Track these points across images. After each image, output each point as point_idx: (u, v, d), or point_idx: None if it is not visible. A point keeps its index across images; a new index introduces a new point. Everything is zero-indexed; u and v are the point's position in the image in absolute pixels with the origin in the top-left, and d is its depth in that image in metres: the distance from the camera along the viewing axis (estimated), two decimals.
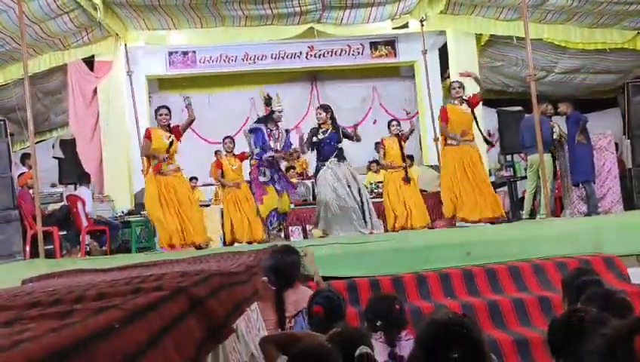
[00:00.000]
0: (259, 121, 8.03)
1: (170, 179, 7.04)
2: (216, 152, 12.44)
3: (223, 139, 8.84)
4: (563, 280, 3.12)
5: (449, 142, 7.59)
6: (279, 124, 7.90)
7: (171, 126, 7.20)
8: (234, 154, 8.66)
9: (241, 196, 8.35)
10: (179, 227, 6.87)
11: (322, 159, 7.77)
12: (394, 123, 8.82)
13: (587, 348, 1.59)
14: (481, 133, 7.79)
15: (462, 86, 7.71)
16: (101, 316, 0.87)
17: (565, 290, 2.98)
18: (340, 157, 7.75)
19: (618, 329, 1.31)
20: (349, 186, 7.59)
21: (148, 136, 7.07)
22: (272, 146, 7.72)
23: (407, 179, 8.65)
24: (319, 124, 7.83)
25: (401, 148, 8.68)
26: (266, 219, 7.88)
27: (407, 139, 8.87)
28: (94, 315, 0.91)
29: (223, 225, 9.45)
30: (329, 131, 7.73)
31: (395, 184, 8.64)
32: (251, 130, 7.90)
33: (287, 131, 8.01)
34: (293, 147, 7.94)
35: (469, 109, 7.59)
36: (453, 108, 7.62)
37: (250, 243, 7.86)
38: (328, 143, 7.73)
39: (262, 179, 7.76)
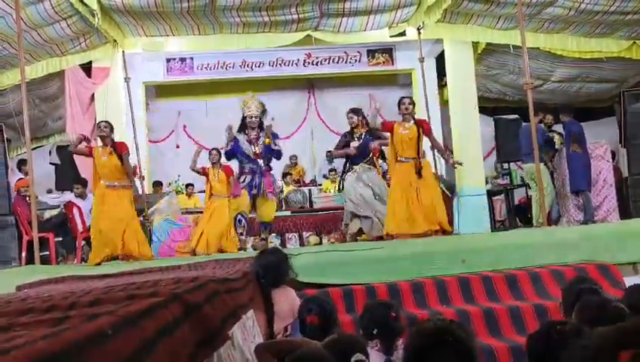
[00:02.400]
0: (238, 130, 7.77)
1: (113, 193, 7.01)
2: None
3: (210, 151, 8.70)
4: (562, 289, 3.12)
5: (399, 158, 7.36)
6: (257, 128, 7.69)
7: (115, 141, 7.14)
8: (220, 165, 8.45)
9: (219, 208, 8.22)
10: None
11: (352, 163, 7.66)
12: None
13: (569, 359, 1.58)
14: (443, 157, 7.74)
15: (412, 102, 7.45)
16: (93, 322, 0.86)
17: (564, 298, 2.98)
18: (371, 161, 7.68)
19: (603, 340, 1.30)
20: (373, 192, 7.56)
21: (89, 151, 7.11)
22: (252, 151, 7.59)
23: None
24: (352, 128, 7.70)
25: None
26: (233, 222, 7.78)
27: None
28: (87, 321, 0.91)
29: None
30: (364, 135, 7.63)
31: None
32: (228, 152, 7.78)
33: (274, 135, 7.80)
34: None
35: (415, 128, 7.31)
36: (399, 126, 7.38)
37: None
38: (364, 148, 7.64)
39: (241, 184, 7.69)
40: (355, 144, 7.68)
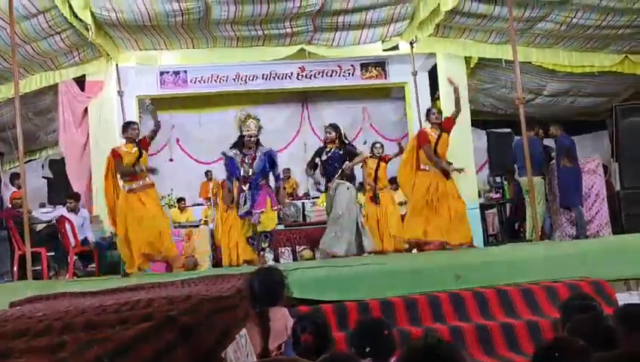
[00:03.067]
0: (233, 146, 7.63)
1: (139, 197, 7.00)
2: (207, 172, 12.48)
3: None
4: (559, 306, 3.13)
5: (422, 167, 7.59)
6: (255, 146, 7.52)
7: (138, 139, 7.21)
8: None
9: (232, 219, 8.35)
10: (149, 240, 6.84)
11: (327, 179, 7.74)
12: (377, 145, 9.05)
13: None
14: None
15: (440, 111, 7.77)
16: (91, 351, 0.87)
17: (561, 316, 2.99)
18: (347, 178, 7.72)
19: None
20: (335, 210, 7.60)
21: (116, 155, 7.08)
22: (243, 173, 7.42)
23: (375, 199, 8.85)
24: (325, 143, 7.76)
25: (376, 171, 8.87)
26: (248, 241, 7.77)
27: (389, 160, 9.04)
28: (84, 349, 0.91)
29: (212, 246, 9.43)
30: (332, 150, 7.68)
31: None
32: (225, 164, 7.73)
33: (268, 154, 7.58)
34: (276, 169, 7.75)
35: (444, 134, 7.60)
36: (432, 133, 7.65)
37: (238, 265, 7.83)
38: (331, 164, 7.71)
39: (241, 211, 7.57)
40: (318, 160, 7.81)
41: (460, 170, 7.81)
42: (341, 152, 7.72)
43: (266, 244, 7.86)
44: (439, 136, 7.55)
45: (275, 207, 7.61)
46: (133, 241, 6.80)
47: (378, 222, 8.83)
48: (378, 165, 8.97)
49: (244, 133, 7.43)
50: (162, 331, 1.21)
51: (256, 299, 3.18)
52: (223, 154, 7.63)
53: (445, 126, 7.62)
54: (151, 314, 1.42)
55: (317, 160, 7.85)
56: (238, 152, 7.43)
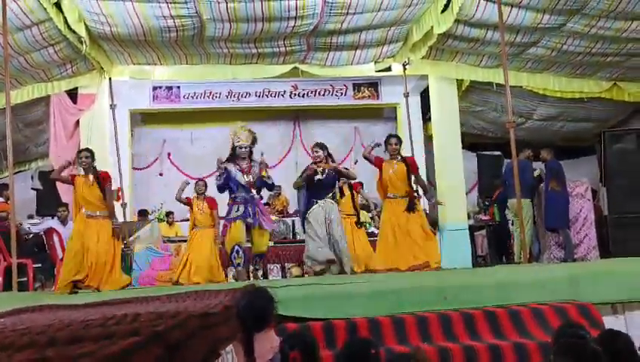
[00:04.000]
0: (227, 161, 7.68)
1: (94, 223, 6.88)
2: None
3: (196, 181, 8.73)
4: (552, 335, 3.15)
5: (388, 195, 7.63)
6: (247, 158, 7.64)
7: (98, 171, 7.04)
8: (205, 197, 8.58)
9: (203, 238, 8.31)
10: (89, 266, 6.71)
11: (316, 197, 7.67)
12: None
13: None
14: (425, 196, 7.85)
15: (399, 141, 7.71)
16: None
17: (554, 344, 3.00)
18: (334, 197, 7.71)
19: None
20: (328, 229, 7.56)
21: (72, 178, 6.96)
22: (245, 180, 7.52)
23: (358, 223, 8.95)
24: (316, 163, 7.68)
25: (352, 195, 8.89)
26: (230, 253, 7.60)
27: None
28: None
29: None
30: (327, 171, 7.65)
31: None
32: (221, 185, 7.64)
33: (260, 165, 7.70)
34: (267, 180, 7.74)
35: (403, 166, 7.57)
36: (388, 163, 7.64)
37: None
38: (326, 184, 7.66)
39: (232, 215, 7.53)
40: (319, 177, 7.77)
41: (440, 204, 7.90)
42: (334, 173, 7.74)
43: (260, 264, 7.80)
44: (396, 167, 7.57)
45: (269, 226, 7.65)
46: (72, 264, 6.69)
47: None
48: (352, 193, 9.00)
49: (235, 145, 7.47)
50: (148, 347, 1.21)
51: (242, 323, 3.11)
52: (219, 162, 7.59)
53: (410, 163, 7.67)
54: (137, 329, 1.41)
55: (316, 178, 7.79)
56: (233, 165, 7.48)
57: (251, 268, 8.15)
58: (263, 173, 7.59)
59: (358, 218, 9.02)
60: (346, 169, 8.18)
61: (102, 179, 6.94)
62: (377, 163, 7.67)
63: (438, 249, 8.07)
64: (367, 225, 10.21)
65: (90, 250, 6.73)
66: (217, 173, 7.63)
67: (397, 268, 7.30)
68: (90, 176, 6.90)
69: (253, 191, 7.67)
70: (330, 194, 7.63)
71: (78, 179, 6.93)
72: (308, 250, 7.59)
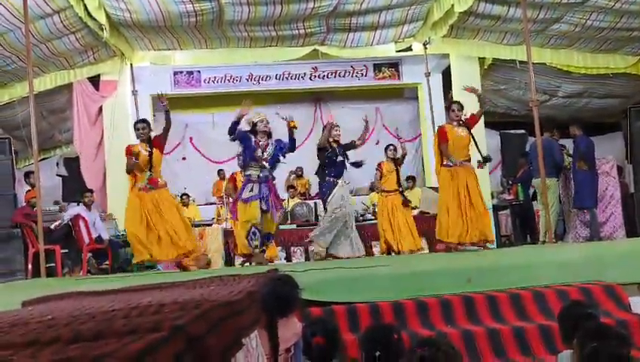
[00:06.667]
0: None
1: (152, 196, 6.97)
2: (220, 171, 12.51)
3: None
4: (558, 315, 3.11)
5: (445, 163, 7.47)
6: (266, 134, 7.38)
7: (151, 138, 7.09)
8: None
9: None
10: (165, 239, 6.82)
11: (335, 176, 7.76)
12: (391, 147, 9.01)
13: None
14: (480, 153, 7.69)
15: (461, 108, 7.61)
16: None
17: (560, 324, 2.97)
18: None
19: None
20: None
21: (129, 152, 6.95)
22: (259, 154, 7.22)
23: (406, 203, 8.79)
24: (336, 142, 7.83)
25: (397, 172, 8.83)
26: (247, 235, 7.35)
27: (402, 163, 9.00)
28: None
29: (225, 244, 9.42)
30: (340, 150, 7.80)
31: (387, 208, 8.75)
32: (241, 138, 7.33)
33: (278, 140, 7.45)
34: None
35: (466, 131, 7.54)
36: (452, 129, 7.54)
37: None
38: (342, 163, 7.83)
39: (245, 195, 7.27)
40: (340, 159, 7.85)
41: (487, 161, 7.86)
42: (343, 150, 7.89)
43: (268, 244, 7.71)
44: (459, 132, 7.52)
45: (277, 219, 7.57)
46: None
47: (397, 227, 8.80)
48: (397, 169, 8.95)
49: (255, 121, 7.31)
50: (171, 342, 1.22)
51: (265, 310, 3.13)
52: (235, 128, 7.31)
53: (469, 122, 7.59)
54: (160, 323, 1.42)
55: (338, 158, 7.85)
56: (252, 136, 7.31)
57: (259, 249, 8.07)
58: (292, 123, 7.43)
59: (404, 197, 8.96)
60: (352, 141, 8.10)
61: (156, 144, 7.06)
62: (440, 131, 7.61)
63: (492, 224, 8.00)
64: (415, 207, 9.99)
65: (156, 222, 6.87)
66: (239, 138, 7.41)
67: (460, 244, 7.28)
68: (147, 146, 6.97)
69: (267, 166, 7.36)
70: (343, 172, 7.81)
71: (136, 148, 6.94)
72: (321, 226, 7.81)
